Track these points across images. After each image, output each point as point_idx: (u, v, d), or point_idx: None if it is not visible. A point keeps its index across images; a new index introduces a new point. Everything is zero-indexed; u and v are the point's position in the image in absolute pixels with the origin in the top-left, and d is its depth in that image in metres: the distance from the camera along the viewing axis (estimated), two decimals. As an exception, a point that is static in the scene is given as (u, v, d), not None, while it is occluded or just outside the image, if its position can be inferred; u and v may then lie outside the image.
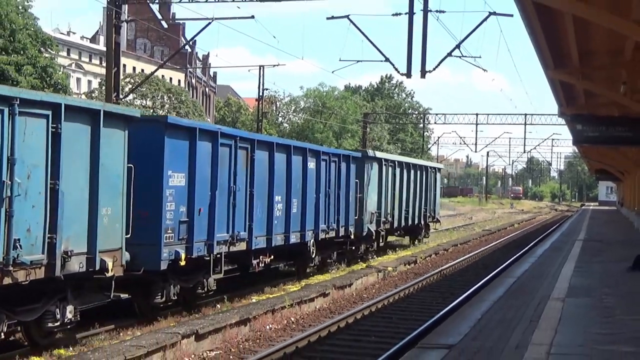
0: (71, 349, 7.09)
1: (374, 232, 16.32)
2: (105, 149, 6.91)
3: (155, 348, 6.81)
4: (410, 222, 19.83)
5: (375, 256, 17.34)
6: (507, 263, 17.28)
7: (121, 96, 18.45)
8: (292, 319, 9.77)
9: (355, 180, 15.23)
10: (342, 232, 14.50)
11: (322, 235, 13.43)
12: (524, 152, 65.52)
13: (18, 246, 5.81)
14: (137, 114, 8.23)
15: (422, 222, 21.42)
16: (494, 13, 16.29)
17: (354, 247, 15.82)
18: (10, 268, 5.80)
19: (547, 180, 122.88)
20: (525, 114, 46.23)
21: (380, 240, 17.48)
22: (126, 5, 18.74)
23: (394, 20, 15.92)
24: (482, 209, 64.43)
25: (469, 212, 54.88)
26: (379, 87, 63.39)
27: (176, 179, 8.48)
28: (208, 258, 9.32)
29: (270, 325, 9.01)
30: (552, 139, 63.27)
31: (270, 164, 11.29)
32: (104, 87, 25.39)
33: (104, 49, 21.32)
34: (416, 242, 21.96)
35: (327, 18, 16.43)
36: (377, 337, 8.66)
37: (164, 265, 8.19)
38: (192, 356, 7.40)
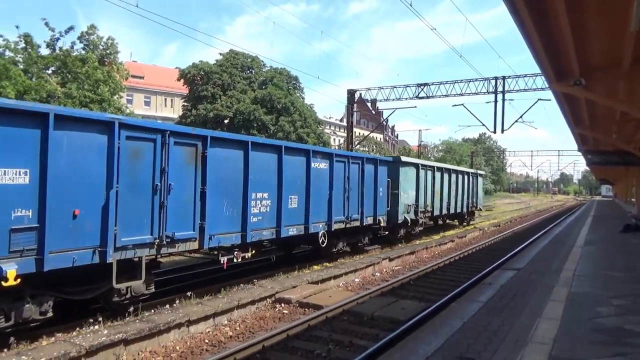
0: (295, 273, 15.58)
1: (409, 219, 18.35)
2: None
3: (369, 264, 14.02)
4: (452, 211, 24.42)
5: (417, 237, 20.64)
6: (549, 227, 28.37)
7: (352, 146, 31.11)
8: (437, 252, 18.32)
9: (387, 179, 16.91)
10: (369, 221, 15.62)
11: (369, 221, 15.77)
12: (558, 169, 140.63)
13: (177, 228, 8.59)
14: (390, 159, 18.46)
15: (465, 211, 26.92)
16: (540, 99, 29.58)
17: (387, 232, 17.50)
18: (164, 242, 8.32)
19: (571, 184, 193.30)
20: (559, 150, 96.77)
21: (418, 225, 19.93)
22: (355, 104, 32.06)
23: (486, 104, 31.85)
24: (535, 199, 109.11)
25: (527, 201, 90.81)
26: (479, 138, 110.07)
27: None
28: (417, 220, 19.12)
29: (425, 255, 17.48)
30: (574, 163, 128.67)
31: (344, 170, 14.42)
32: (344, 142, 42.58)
33: (345, 124, 34.65)
34: (464, 224, 28.31)
35: (453, 105, 30.62)
36: (479, 263, 15.89)
37: (400, 221, 17.87)
38: (387, 268, 14.80)
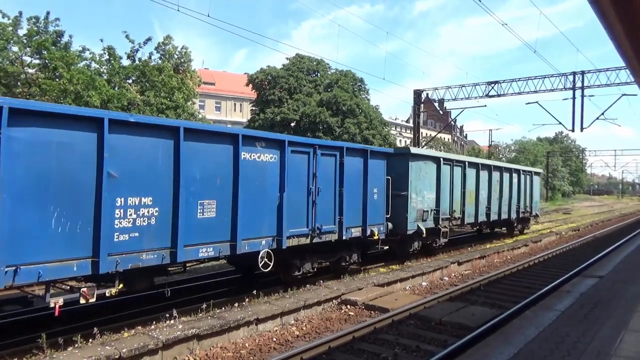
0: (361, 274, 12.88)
1: (424, 229, 14.59)
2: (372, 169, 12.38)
3: (437, 267, 13.71)
4: (494, 217, 19.86)
5: (443, 251, 17.05)
6: (635, 232, 26.91)
7: (420, 147, 30.82)
8: (509, 257, 17.37)
9: (386, 177, 13.15)
10: (354, 233, 11.99)
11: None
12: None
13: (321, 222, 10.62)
14: (391, 150, 14.34)
15: (515, 217, 22.37)
16: (625, 94, 26.93)
17: (389, 247, 15.22)
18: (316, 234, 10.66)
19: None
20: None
21: (441, 236, 15.97)
22: (422, 105, 31.18)
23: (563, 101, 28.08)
24: (619, 201, 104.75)
25: (610, 203, 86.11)
26: (556, 137, 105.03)
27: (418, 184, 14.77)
28: (437, 230, 15.67)
29: (497, 260, 16.61)
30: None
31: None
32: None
33: (412, 125, 34.16)
34: (516, 232, 24.06)
35: (526, 103, 29.24)
36: (556, 269, 15.01)
37: (410, 231, 14.23)
38: (456, 272, 14.41)
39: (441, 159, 16.06)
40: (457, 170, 17.07)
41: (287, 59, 45.87)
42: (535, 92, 27.59)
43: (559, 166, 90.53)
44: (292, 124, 41.91)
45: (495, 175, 20.17)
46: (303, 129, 41.15)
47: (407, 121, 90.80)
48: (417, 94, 32.09)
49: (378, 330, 8.35)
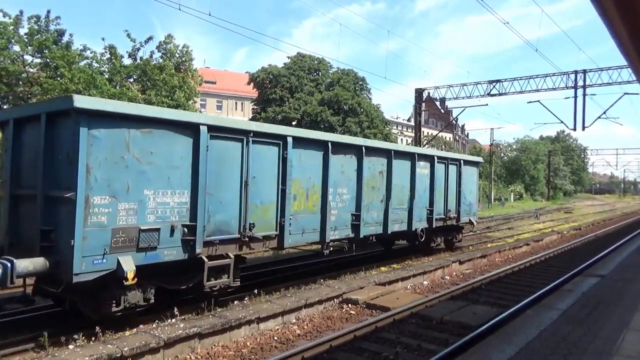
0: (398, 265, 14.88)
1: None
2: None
3: (438, 266, 13.61)
4: (373, 229, 12.61)
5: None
6: (637, 232, 26.30)
7: (421, 146, 31.11)
8: (510, 256, 17.33)
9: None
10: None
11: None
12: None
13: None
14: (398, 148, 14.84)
15: (425, 227, 14.78)
16: (627, 93, 27.35)
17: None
18: (447, 218, 15.57)
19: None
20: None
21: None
22: (423, 103, 31.32)
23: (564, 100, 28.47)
24: (621, 200, 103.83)
25: (612, 202, 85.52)
26: (557, 136, 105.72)
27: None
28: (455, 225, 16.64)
29: (498, 259, 16.54)
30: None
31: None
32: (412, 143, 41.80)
33: (413, 124, 34.09)
34: (438, 247, 16.70)
35: (528, 102, 32.92)
36: (557, 268, 14.91)
37: (436, 225, 15.24)
38: (457, 272, 14.30)
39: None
40: (271, 151, 9.55)
41: (288, 57, 45.89)
42: (537, 91, 27.59)
43: (560, 165, 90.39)
44: (294, 123, 41.91)
45: (374, 162, 12.49)
46: (304, 127, 41.21)
47: (409, 120, 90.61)
48: (419, 92, 32.15)
49: (379, 329, 8.35)
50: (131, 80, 26.81)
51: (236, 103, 71.76)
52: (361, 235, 11.94)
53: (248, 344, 7.55)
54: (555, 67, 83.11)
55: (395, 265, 13.99)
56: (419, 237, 14.59)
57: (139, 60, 26.80)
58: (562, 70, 27.10)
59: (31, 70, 23.77)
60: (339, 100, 41.76)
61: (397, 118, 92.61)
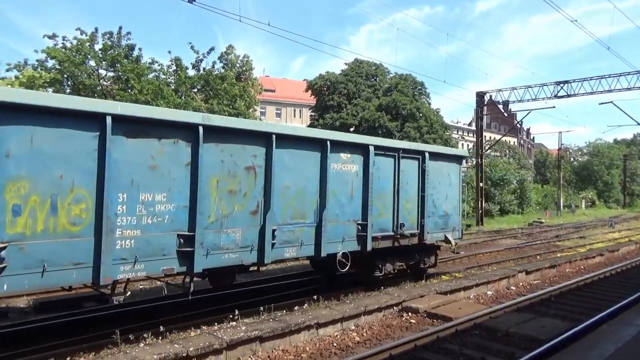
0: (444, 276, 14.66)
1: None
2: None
3: (502, 276, 13.07)
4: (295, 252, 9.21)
5: None
6: None
7: (483, 151, 30.07)
8: (582, 267, 16.32)
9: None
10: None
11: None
12: None
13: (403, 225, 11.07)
14: (429, 148, 13.03)
15: (359, 248, 10.40)
16: None
17: None
18: (399, 235, 11.14)
19: None
20: None
21: None
22: (485, 107, 30.45)
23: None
24: None
25: None
26: (634, 138, 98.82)
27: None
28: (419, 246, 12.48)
29: (568, 269, 15.68)
30: None
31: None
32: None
33: (474, 128, 33.28)
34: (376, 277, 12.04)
35: (600, 103, 25.78)
36: (636, 280, 13.87)
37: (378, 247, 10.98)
38: (524, 282, 13.60)
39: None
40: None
41: (345, 64, 46.13)
42: (610, 91, 25.99)
43: (638, 170, 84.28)
44: (351, 129, 41.98)
45: (233, 152, 8.09)
46: (361, 133, 41.17)
47: (470, 124, 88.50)
48: (480, 96, 31.24)
49: (441, 339, 8.12)
50: (195, 90, 27.94)
51: (294, 110, 72.93)
52: (201, 269, 7.54)
53: (307, 349, 7.58)
54: (630, 65, 77.77)
55: (457, 274, 13.59)
56: (338, 265, 9.88)
57: (202, 71, 27.91)
58: (637, 69, 25.35)
59: (105, 83, 25.39)
60: (397, 106, 41.39)
61: (457, 122, 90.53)
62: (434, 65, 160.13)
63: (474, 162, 39.22)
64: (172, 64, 27.00)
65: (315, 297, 9.57)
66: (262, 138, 8.48)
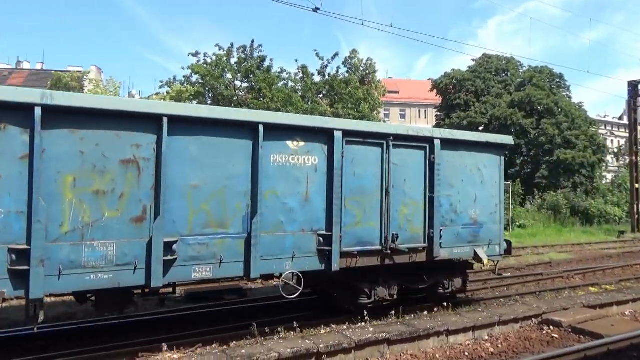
0: None
1: None
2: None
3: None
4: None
5: None
6: None
7: (638, 148, 27.27)
8: None
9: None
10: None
11: None
12: None
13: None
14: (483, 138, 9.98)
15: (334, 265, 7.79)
16: None
17: None
18: (390, 250, 8.20)
19: None
20: None
21: None
22: (639, 98, 26.85)
23: None
24: None
25: None
26: None
27: None
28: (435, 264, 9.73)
29: None
30: None
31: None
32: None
33: (626, 122, 29.60)
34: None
35: None
36: None
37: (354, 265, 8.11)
38: None
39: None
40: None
41: (472, 60, 44.04)
42: None
43: None
44: (480, 128, 39.94)
45: (96, 140, 6.09)
46: (493, 132, 38.92)
47: (620, 118, 78.59)
48: (633, 85, 27.53)
49: (590, 357, 7.28)
50: (321, 95, 28.93)
51: (419, 111, 71.69)
52: (41, 294, 5.69)
53: (437, 356, 7.34)
54: None
55: (608, 287, 12.12)
56: (282, 291, 7.56)
57: (327, 77, 28.79)
58: None
59: (240, 93, 27.52)
60: (531, 101, 38.33)
61: (605, 117, 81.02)
62: (575, 54, 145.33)
63: (627, 161, 34.65)
64: (299, 72, 28.29)
65: (444, 304, 9.25)
66: (150, 122, 6.35)
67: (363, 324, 7.82)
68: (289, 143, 7.47)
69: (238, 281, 7.39)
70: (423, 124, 65.82)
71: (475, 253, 9.35)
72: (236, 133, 6.99)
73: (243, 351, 6.34)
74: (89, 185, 5.98)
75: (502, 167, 9.88)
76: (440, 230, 8.82)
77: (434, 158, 8.79)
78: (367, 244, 8.10)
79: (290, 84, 28.13)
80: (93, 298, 6.75)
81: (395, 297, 8.78)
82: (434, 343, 7.71)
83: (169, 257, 6.34)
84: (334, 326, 7.93)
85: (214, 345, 7.27)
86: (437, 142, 8.86)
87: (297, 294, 7.63)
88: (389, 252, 8.27)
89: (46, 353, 6.93)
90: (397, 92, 67.93)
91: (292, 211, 7.41)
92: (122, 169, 6.19)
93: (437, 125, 43.70)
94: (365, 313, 8.13)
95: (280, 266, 7.29)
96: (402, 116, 70.70)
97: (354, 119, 26.75)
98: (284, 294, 7.50)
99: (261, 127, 7.05)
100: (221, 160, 6.87)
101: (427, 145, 8.82)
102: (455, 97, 42.22)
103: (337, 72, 29.25)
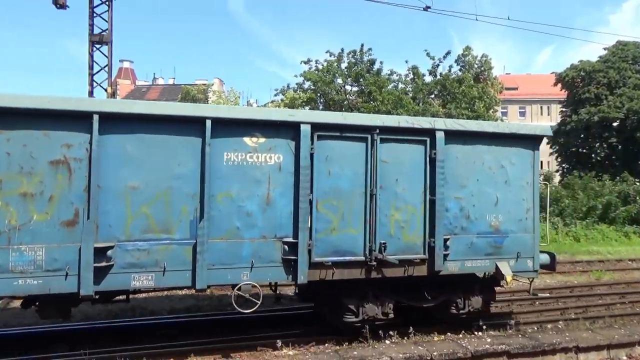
0: None
1: None
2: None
3: None
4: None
5: None
6: None
7: None
8: None
9: None
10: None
11: None
12: None
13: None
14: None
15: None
16: None
17: None
18: (376, 261, 7.11)
19: None
20: None
21: None
22: None
23: None
24: None
25: None
26: None
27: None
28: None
29: None
30: None
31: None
32: None
33: None
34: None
35: None
36: None
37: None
38: None
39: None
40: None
41: (604, 49, 39.71)
42: None
43: None
44: (615, 124, 35.89)
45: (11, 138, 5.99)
46: (630, 128, 34.70)
47: None
48: None
49: None
50: (432, 96, 28.16)
51: (541, 107, 66.44)
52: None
53: (565, 374, 6.74)
54: None
55: None
56: (235, 304, 6.68)
57: (438, 76, 27.95)
58: None
59: (350, 97, 27.86)
60: (679, 91, 33.54)
61: None
62: None
63: None
64: (409, 73, 27.83)
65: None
66: (81, 121, 6.02)
67: (480, 333, 7.46)
68: (246, 140, 6.71)
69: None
70: (546, 122, 60.84)
71: (498, 268, 7.83)
72: (181, 130, 6.43)
73: (355, 353, 6.42)
74: (15, 187, 5.81)
75: (536, 164, 8.27)
76: (446, 239, 7.53)
77: (435, 154, 7.50)
78: (346, 254, 7.09)
79: (401, 85, 27.81)
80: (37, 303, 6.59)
81: (391, 316, 7.65)
82: (560, 359, 7.09)
83: (104, 264, 6.01)
84: (449, 334, 7.68)
85: (326, 345, 7.45)
86: (439, 135, 7.52)
87: (255, 309, 6.64)
88: (374, 263, 7.15)
89: (177, 341, 7.66)
90: (515, 89, 63.63)
91: (250, 215, 6.66)
92: (52, 170, 5.95)
93: (562, 122, 40.13)
94: (481, 322, 7.75)
95: (236, 276, 6.55)
96: (522, 114, 66.08)
97: (467, 119, 25.64)
98: (236, 307, 6.61)
99: (209, 123, 6.43)
100: (164, 160, 6.35)
101: (427, 139, 7.53)
102: (584, 90, 38.36)
103: (450, 70, 28.26)
